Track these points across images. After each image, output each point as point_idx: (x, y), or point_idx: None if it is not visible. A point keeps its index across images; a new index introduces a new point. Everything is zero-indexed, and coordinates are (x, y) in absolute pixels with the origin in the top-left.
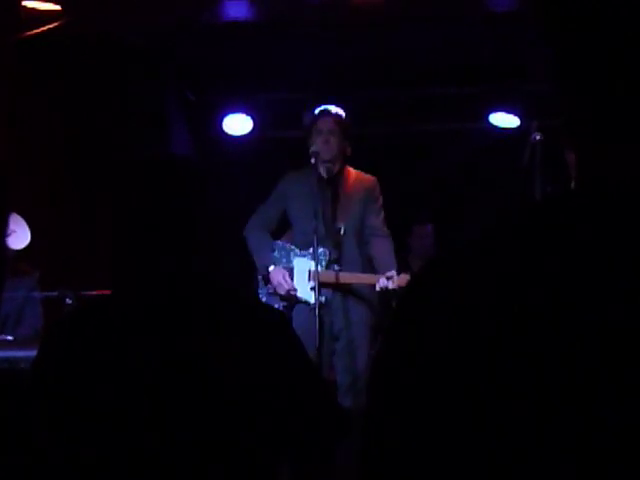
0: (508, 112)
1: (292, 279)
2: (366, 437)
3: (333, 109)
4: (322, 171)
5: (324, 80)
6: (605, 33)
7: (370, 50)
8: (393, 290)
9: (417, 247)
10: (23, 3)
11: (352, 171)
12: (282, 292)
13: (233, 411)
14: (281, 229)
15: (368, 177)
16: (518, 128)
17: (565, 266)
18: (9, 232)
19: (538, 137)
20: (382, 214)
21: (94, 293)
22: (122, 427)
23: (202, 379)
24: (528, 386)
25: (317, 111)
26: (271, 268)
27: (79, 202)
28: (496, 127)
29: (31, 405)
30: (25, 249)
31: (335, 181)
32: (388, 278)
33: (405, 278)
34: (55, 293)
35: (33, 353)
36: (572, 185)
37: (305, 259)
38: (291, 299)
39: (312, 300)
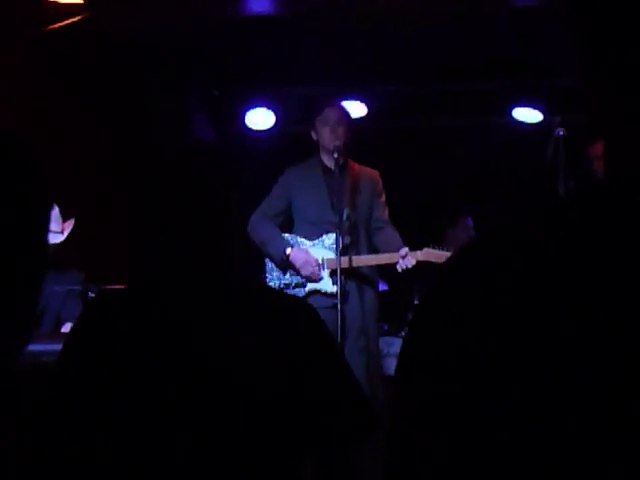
0: (531, 107)
1: (314, 258)
2: (392, 439)
3: (345, 104)
4: (330, 161)
5: (346, 75)
6: (633, 28)
7: (393, 44)
8: (412, 266)
9: (454, 243)
10: None
11: (354, 164)
12: (307, 272)
13: (258, 403)
14: (284, 224)
15: (371, 170)
16: (541, 123)
17: (590, 264)
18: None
19: (561, 132)
20: (386, 209)
21: (117, 287)
22: (144, 420)
23: (226, 370)
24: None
25: (323, 103)
26: (289, 250)
27: (103, 199)
28: (519, 122)
29: (52, 400)
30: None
31: (341, 171)
32: (403, 257)
33: (430, 252)
34: (79, 288)
35: (56, 347)
36: (595, 179)
37: (316, 248)
38: (315, 279)
39: (329, 289)
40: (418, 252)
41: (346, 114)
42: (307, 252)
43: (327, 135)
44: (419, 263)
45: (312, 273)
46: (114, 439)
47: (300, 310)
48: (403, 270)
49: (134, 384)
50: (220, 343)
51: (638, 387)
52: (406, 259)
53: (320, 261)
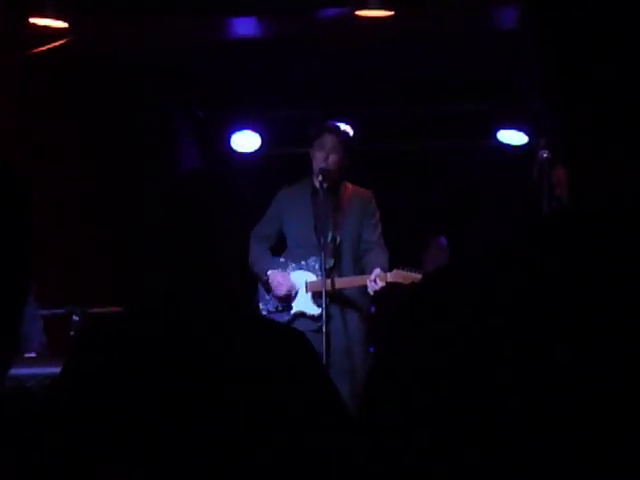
0: (516, 129)
1: (291, 281)
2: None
3: (339, 126)
4: (318, 184)
5: (332, 97)
6: (602, 45)
7: (378, 66)
8: (387, 287)
9: (431, 262)
10: (30, 20)
11: (349, 185)
12: (281, 293)
13: (247, 433)
14: (279, 246)
15: (364, 191)
16: (526, 145)
17: (565, 286)
18: None
19: (545, 154)
20: (379, 228)
21: (101, 310)
22: (143, 444)
23: (218, 399)
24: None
25: (322, 125)
26: (269, 272)
27: (87, 219)
28: (504, 144)
29: (51, 422)
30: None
31: (331, 193)
32: (374, 279)
33: (399, 274)
34: (62, 310)
35: (38, 370)
36: (551, 205)
37: (301, 271)
38: (289, 300)
39: (311, 312)
40: (388, 274)
41: (344, 140)
42: (284, 275)
43: (319, 159)
44: (389, 285)
45: (285, 293)
46: (109, 469)
47: (292, 337)
48: (374, 292)
49: (130, 410)
50: (211, 370)
51: (618, 410)
52: (375, 281)
53: (303, 284)
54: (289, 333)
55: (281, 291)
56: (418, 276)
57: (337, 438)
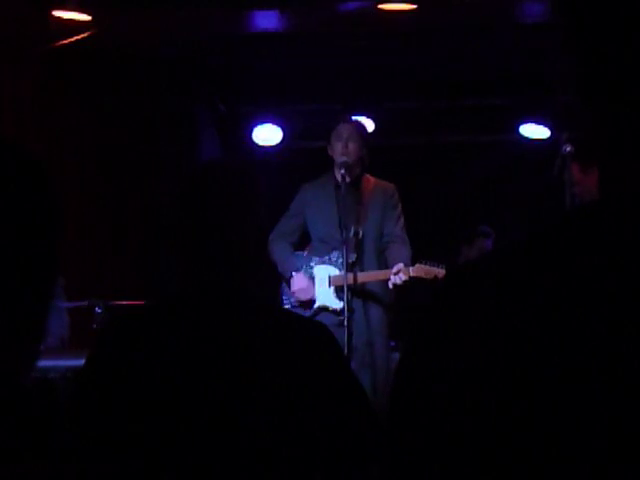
0: (538, 123)
1: (314, 287)
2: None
3: (360, 120)
4: (340, 177)
5: (354, 91)
6: (631, 46)
7: (400, 60)
8: (409, 281)
9: (470, 257)
10: (53, 13)
11: (371, 178)
12: (302, 298)
13: (271, 426)
14: (303, 241)
15: (387, 184)
16: (548, 139)
17: (587, 283)
18: None
19: (568, 149)
20: (401, 221)
21: (123, 303)
22: (162, 442)
23: (243, 393)
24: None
25: (337, 117)
26: (294, 274)
27: (110, 212)
28: (526, 138)
29: (72, 415)
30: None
31: (353, 187)
32: (396, 273)
33: (421, 268)
34: (85, 303)
35: (61, 362)
36: (572, 200)
37: (324, 265)
38: (308, 304)
39: (334, 306)
40: (410, 268)
41: (360, 130)
42: (305, 279)
43: (338, 151)
44: (412, 279)
45: (304, 302)
46: (135, 461)
47: (316, 332)
48: (395, 286)
49: (152, 404)
50: (235, 364)
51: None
52: (398, 275)
53: (327, 278)
54: (311, 325)
55: (301, 297)
56: (441, 271)
57: (360, 429)
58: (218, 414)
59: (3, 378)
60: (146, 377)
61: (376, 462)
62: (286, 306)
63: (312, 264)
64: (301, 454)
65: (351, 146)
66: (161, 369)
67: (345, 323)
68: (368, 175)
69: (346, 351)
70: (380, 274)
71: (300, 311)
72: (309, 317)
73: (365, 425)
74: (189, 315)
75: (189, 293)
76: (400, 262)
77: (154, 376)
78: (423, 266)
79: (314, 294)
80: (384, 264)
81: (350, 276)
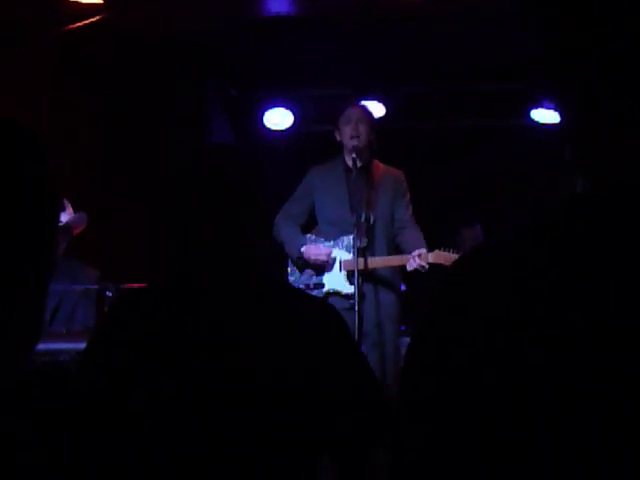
0: (550, 108)
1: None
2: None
3: (369, 105)
4: (350, 161)
5: (364, 75)
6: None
7: (410, 45)
8: (424, 267)
9: (466, 247)
10: None
11: (380, 164)
12: (323, 259)
13: (277, 401)
14: (309, 224)
15: (396, 170)
16: (560, 124)
17: (587, 269)
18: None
19: None
20: (410, 208)
21: (134, 286)
22: (165, 419)
23: (246, 369)
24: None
25: (345, 102)
26: (303, 248)
27: (118, 196)
28: (537, 123)
29: (75, 397)
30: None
31: (363, 172)
32: (418, 256)
33: (440, 255)
34: (96, 286)
35: (71, 345)
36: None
37: (335, 249)
38: (329, 268)
39: (345, 290)
40: (429, 254)
41: (368, 113)
42: (318, 246)
43: (348, 134)
44: (430, 265)
45: (324, 262)
46: (137, 440)
47: (323, 310)
48: (412, 270)
49: (157, 383)
50: (243, 341)
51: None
52: (418, 259)
53: (337, 262)
54: (318, 303)
55: (322, 259)
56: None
57: (367, 411)
58: (221, 392)
59: (5, 361)
60: (147, 356)
61: (382, 444)
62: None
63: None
64: (305, 435)
65: (361, 128)
66: (162, 349)
67: (356, 307)
68: (377, 161)
69: (357, 335)
70: (394, 259)
71: (309, 293)
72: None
73: (372, 406)
74: (196, 293)
75: (189, 273)
76: (419, 247)
77: (155, 356)
78: (442, 253)
79: (330, 252)
80: (394, 250)
81: (361, 261)
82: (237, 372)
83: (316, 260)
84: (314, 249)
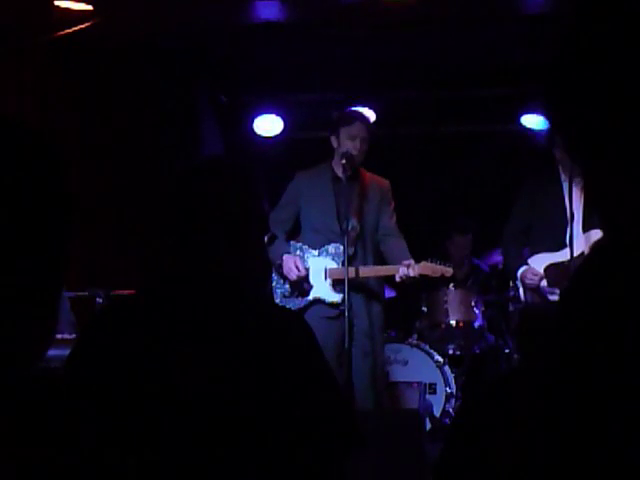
0: (540, 114)
1: (308, 277)
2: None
3: (366, 113)
4: (339, 171)
5: (355, 81)
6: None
7: (401, 51)
8: (413, 278)
9: (455, 255)
10: (55, 3)
11: (366, 172)
12: (292, 278)
13: (247, 411)
14: (295, 230)
15: (382, 179)
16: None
17: None
18: None
19: None
20: (394, 217)
21: (124, 292)
22: (148, 423)
23: (220, 378)
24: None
25: (351, 112)
26: (284, 257)
27: (110, 203)
28: (528, 129)
29: (63, 402)
30: None
31: (350, 181)
32: (408, 266)
33: (427, 266)
34: (86, 293)
35: (63, 352)
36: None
37: (320, 258)
38: (301, 287)
39: (330, 299)
40: (416, 266)
41: (370, 129)
42: (295, 260)
43: (348, 147)
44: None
45: (295, 281)
46: (120, 446)
47: (294, 324)
48: (401, 279)
49: (140, 388)
50: (218, 350)
51: None
52: (408, 270)
53: (323, 270)
54: (289, 314)
55: (292, 276)
56: (448, 269)
57: (332, 419)
58: (199, 392)
59: (16, 363)
60: (129, 363)
61: (347, 451)
62: (277, 297)
63: (307, 255)
64: (272, 447)
65: (363, 147)
66: (148, 354)
67: (346, 314)
68: (363, 169)
69: (346, 342)
70: (384, 269)
71: (292, 300)
72: (296, 308)
73: (337, 415)
74: (172, 300)
75: (176, 278)
76: (404, 257)
77: (137, 363)
78: (429, 264)
79: (305, 271)
80: (379, 258)
81: (349, 269)
82: (215, 379)
83: (287, 274)
84: (291, 262)
